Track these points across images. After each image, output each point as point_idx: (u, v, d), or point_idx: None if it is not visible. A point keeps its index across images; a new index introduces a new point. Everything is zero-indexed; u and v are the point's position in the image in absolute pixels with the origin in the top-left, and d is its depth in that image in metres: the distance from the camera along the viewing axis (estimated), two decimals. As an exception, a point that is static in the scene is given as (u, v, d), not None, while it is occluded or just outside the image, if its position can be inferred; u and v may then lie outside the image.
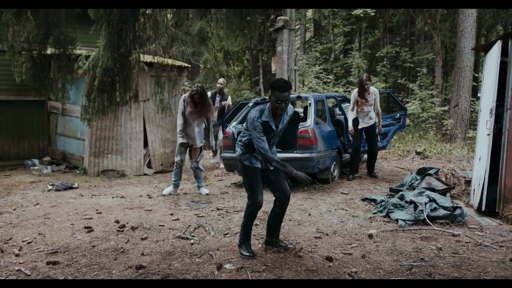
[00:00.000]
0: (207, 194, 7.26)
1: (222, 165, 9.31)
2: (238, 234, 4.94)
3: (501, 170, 5.66)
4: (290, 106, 4.45)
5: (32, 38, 4.32)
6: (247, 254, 4.25)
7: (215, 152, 10.24)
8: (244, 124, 4.48)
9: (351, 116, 8.33)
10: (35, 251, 4.63)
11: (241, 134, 4.47)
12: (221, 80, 10.39)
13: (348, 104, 9.96)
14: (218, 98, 10.06)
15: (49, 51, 4.65)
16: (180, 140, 7.28)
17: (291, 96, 8.90)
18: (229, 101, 10.18)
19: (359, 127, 8.24)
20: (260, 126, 4.17)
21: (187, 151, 7.45)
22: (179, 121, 7.23)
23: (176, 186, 7.41)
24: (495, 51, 5.84)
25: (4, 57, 4.86)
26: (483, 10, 17.12)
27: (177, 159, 7.36)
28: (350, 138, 8.79)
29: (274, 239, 4.55)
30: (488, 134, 5.83)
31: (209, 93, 10.05)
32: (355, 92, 8.34)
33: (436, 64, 15.99)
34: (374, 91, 8.28)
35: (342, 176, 8.51)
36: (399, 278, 3.82)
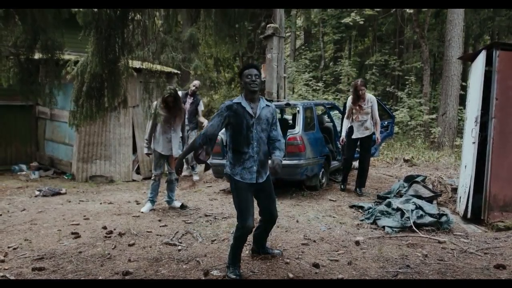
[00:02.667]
0: (180, 207, 6.75)
1: (196, 178, 9.37)
2: (226, 241, 4.94)
3: (486, 178, 5.74)
4: (271, 104, 4.17)
5: (20, 43, 4.31)
6: (234, 277, 3.90)
7: (192, 167, 9.67)
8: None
9: (345, 125, 7.67)
10: (21, 257, 4.59)
11: (228, 146, 4.13)
12: (196, 82, 9.77)
13: (337, 112, 10.03)
14: (189, 100, 9.43)
15: (37, 56, 4.64)
16: (155, 150, 6.62)
17: (280, 103, 8.94)
18: (201, 107, 9.65)
19: (353, 136, 7.56)
20: (224, 115, 3.91)
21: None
22: (149, 130, 6.64)
23: (153, 202, 6.73)
24: (480, 60, 5.93)
25: (-8, 62, 4.83)
26: (471, 20, 17.36)
27: (156, 172, 6.68)
28: (339, 145, 8.82)
29: (261, 249, 4.52)
30: (474, 142, 5.91)
31: (180, 93, 9.33)
32: (349, 99, 7.66)
33: (424, 72, 16.15)
34: (370, 98, 7.53)
35: (330, 183, 8.55)
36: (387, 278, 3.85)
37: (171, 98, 6.42)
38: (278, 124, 4.22)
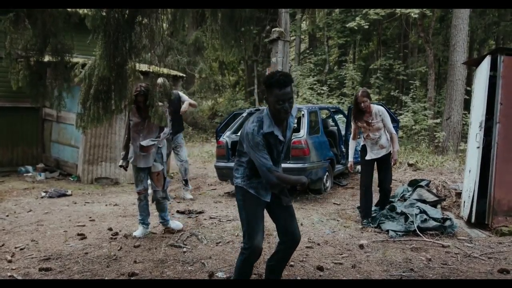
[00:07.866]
0: (179, 230, 5.61)
1: (189, 196, 7.73)
2: (230, 243, 4.95)
3: (490, 183, 5.75)
4: (294, 113, 3.46)
5: (30, 46, 4.36)
6: None
7: (185, 181, 7.91)
8: (239, 143, 3.41)
9: (351, 147, 6.37)
10: (28, 258, 4.64)
11: (238, 151, 3.43)
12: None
13: (341, 115, 10.02)
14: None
15: (46, 59, 4.70)
16: (130, 162, 5.49)
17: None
18: (183, 97, 7.68)
19: (367, 158, 6.15)
20: (263, 141, 3.14)
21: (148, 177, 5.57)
22: (125, 138, 5.57)
23: (146, 224, 5.54)
24: (485, 65, 5.96)
25: (1, 64, 4.89)
26: (475, 24, 17.39)
27: (137, 189, 5.46)
28: (343, 149, 8.83)
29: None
30: (478, 147, 5.93)
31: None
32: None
33: (429, 77, 16.19)
34: (378, 110, 6.01)
35: (334, 186, 8.57)
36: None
37: (140, 98, 5.17)
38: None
